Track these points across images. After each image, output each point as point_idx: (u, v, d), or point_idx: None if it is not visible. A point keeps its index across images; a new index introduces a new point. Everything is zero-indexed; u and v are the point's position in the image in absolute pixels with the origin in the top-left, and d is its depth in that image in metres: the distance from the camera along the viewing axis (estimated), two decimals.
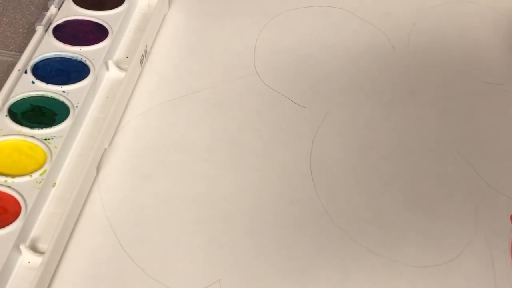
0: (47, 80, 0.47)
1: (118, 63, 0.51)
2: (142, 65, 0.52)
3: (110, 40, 0.51)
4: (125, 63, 0.52)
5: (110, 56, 0.51)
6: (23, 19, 0.56)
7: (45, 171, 0.42)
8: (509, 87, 0.53)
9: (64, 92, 0.47)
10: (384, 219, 0.44)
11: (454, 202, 0.46)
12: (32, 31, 0.53)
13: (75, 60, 0.49)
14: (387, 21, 0.58)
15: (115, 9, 0.53)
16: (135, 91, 0.51)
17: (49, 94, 0.47)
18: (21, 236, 0.40)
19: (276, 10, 0.58)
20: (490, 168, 0.48)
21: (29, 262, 0.40)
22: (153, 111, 0.50)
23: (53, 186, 0.44)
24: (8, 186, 0.41)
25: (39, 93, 0.47)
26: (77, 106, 0.46)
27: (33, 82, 0.47)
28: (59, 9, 0.53)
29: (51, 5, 0.53)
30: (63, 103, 0.46)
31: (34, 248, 0.41)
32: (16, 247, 0.40)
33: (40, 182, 0.42)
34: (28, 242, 0.41)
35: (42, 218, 0.42)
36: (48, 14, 0.52)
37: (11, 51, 0.53)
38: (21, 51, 0.51)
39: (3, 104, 0.46)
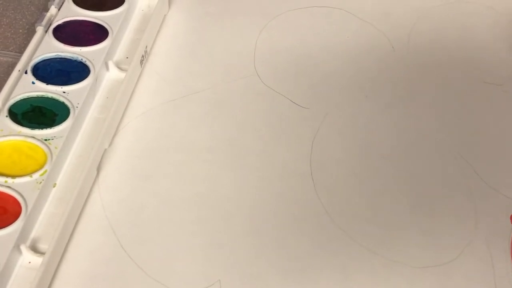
0: (47, 81, 0.47)
1: (118, 64, 0.51)
2: (142, 66, 0.53)
3: (110, 40, 0.51)
4: (125, 63, 0.52)
5: (110, 56, 0.51)
6: (23, 20, 0.56)
7: (45, 171, 0.43)
8: (509, 87, 0.53)
9: (64, 92, 0.47)
10: (384, 219, 0.45)
11: (454, 202, 0.46)
12: (32, 32, 0.53)
13: (75, 60, 0.49)
14: (387, 21, 0.58)
15: (115, 9, 0.53)
16: (135, 92, 0.51)
17: (49, 95, 0.47)
18: (22, 237, 0.40)
19: (276, 11, 0.58)
20: (490, 168, 0.48)
21: (29, 262, 0.40)
22: (153, 111, 0.50)
23: (54, 186, 0.44)
24: (9, 187, 0.41)
25: (39, 94, 0.47)
26: (77, 107, 0.46)
27: (33, 83, 0.47)
28: (59, 9, 0.53)
29: (51, 5, 0.53)
30: (63, 103, 0.46)
31: (34, 249, 0.41)
32: (17, 248, 0.40)
33: (41, 182, 0.42)
34: (28, 242, 0.41)
35: (43, 219, 0.42)
36: (48, 14, 0.52)
37: (11, 51, 0.54)
38: (21, 51, 0.51)
39: (4, 104, 0.46)
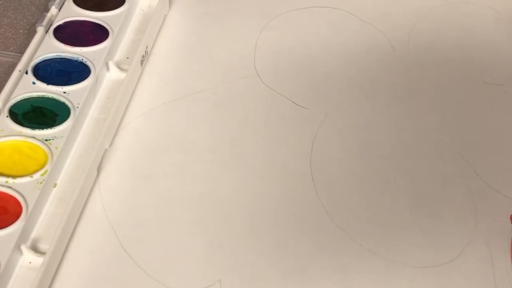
0: (48, 81, 0.47)
1: (118, 64, 0.51)
2: (143, 66, 0.53)
3: (110, 41, 0.51)
4: (125, 63, 0.52)
5: (110, 57, 0.51)
6: (24, 20, 0.56)
7: (46, 171, 0.43)
8: (509, 87, 0.53)
9: (64, 92, 0.47)
10: (384, 219, 0.45)
11: (454, 202, 0.46)
12: (32, 32, 0.53)
13: (76, 60, 0.49)
14: (387, 21, 0.58)
15: (116, 10, 0.53)
16: (136, 92, 0.51)
17: (50, 95, 0.47)
18: (22, 237, 0.40)
19: (277, 11, 0.58)
20: (490, 168, 0.48)
21: (30, 262, 0.40)
22: (153, 111, 0.50)
23: (54, 186, 0.44)
24: (9, 187, 0.42)
25: (40, 94, 0.47)
26: (77, 107, 0.46)
27: (33, 83, 0.47)
28: (59, 10, 0.53)
29: (51, 6, 0.53)
30: (63, 103, 0.46)
31: (35, 249, 0.41)
32: (17, 248, 0.40)
33: (41, 182, 0.42)
34: (29, 242, 0.41)
35: (43, 219, 0.42)
36: (48, 15, 0.52)
37: (12, 52, 0.54)
38: (21, 52, 0.51)
39: (4, 104, 0.46)
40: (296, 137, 0.49)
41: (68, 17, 0.52)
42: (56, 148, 0.44)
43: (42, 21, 0.51)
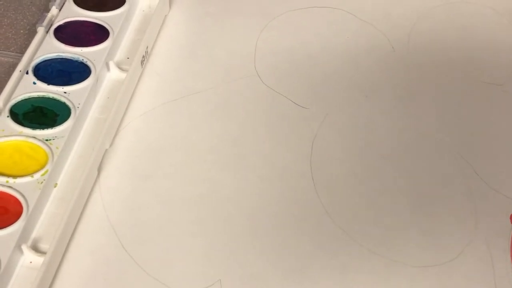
0: (48, 81, 0.47)
1: (119, 64, 0.51)
2: (143, 66, 0.53)
3: (111, 41, 0.51)
4: (126, 64, 0.52)
5: (111, 57, 0.51)
6: (24, 20, 0.56)
7: (46, 171, 0.43)
8: (509, 87, 0.53)
9: (65, 93, 0.47)
10: (384, 219, 0.45)
11: (454, 202, 0.46)
12: (33, 32, 0.53)
13: (76, 61, 0.49)
14: (387, 21, 0.58)
15: (116, 10, 0.53)
16: (136, 92, 0.51)
17: (50, 95, 0.47)
18: (23, 236, 0.40)
19: (277, 11, 0.58)
20: (490, 168, 0.48)
21: (30, 262, 0.40)
22: (154, 112, 0.50)
23: (55, 186, 0.44)
24: (10, 187, 0.42)
25: (41, 94, 0.47)
26: (78, 107, 0.46)
27: (34, 83, 0.47)
28: (60, 10, 0.53)
29: (52, 6, 0.53)
30: (64, 104, 0.47)
31: (35, 248, 0.41)
32: (18, 247, 0.40)
33: (42, 182, 0.42)
34: (29, 242, 0.41)
35: (44, 219, 0.42)
36: (49, 15, 0.52)
37: (12, 52, 0.54)
38: (22, 52, 0.51)
39: (5, 105, 0.46)
40: (296, 137, 0.49)
41: (68, 17, 0.52)
42: (57, 148, 0.44)
43: (43, 21, 0.51)
